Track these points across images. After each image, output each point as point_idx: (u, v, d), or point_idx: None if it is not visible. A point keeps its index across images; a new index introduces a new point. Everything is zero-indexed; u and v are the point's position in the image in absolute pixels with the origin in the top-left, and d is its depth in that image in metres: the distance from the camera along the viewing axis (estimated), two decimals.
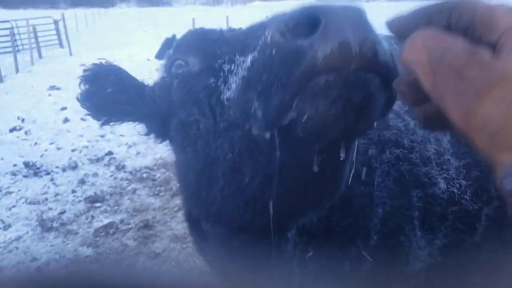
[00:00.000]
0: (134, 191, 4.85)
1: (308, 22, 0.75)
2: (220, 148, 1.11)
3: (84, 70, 1.47)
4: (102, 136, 6.61)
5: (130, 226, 4.08)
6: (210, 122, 1.10)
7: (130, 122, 1.56)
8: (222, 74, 1.05)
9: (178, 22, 20.67)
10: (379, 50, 0.74)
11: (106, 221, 4.16)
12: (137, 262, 3.53)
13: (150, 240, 3.83)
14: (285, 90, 0.79)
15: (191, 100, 1.16)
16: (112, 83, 1.47)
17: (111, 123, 1.54)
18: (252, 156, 1.05)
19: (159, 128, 1.47)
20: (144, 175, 5.23)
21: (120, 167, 5.50)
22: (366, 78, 0.76)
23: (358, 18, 0.75)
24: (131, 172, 5.35)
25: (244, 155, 1.06)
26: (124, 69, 1.53)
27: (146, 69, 11.28)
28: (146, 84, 1.55)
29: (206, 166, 1.19)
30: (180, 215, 4.22)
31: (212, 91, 1.08)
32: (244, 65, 0.93)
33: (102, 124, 1.53)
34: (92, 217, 4.28)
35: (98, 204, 4.53)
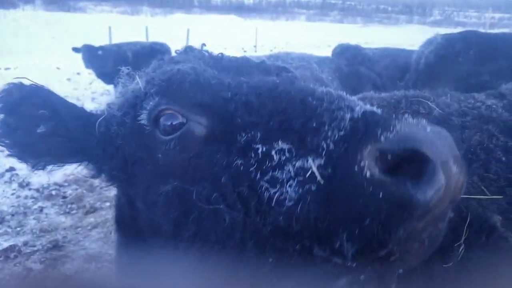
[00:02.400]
0: (41, 209, 4.41)
1: (408, 156, 0.69)
2: (245, 244, 0.87)
3: None
4: (1, 151, 5.94)
5: (35, 248, 3.69)
6: (235, 214, 0.86)
7: (73, 164, 1.21)
8: (253, 156, 0.84)
9: (93, 30, 19.64)
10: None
11: (6, 245, 3.71)
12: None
13: (59, 261, 3.50)
14: (383, 231, 0.70)
15: (199, 174, 0.92)
16: (44, 118, 1.10)
17: (47, 167, 1.18)
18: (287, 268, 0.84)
19: (118, 172, 1.14)
20: (53, 192, 4.79)
21: (24, 185, 4.97)
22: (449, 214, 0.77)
23: (457, 154, 0.73)
24: (37, 190, 4.87)
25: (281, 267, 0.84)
26: (56, 93, 1.19)
27: (55, 78, 10.48)
28: (91, 112, 1.22)
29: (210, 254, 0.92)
30: (95, 233, 3.94)
31: (239, 174, 0.86)
32: (305, 173, 0.77)
33: (34, 168, 1.16)
34: None
35: None
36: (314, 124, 0.82)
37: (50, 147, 1.14)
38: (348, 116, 0.80)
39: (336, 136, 0.78)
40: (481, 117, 1.83)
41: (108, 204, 4.53)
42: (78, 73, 11.78)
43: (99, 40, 11.77)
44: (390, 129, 0.72)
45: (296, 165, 0.79)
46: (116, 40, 13.04)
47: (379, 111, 0.83)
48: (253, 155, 0.85)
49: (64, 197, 4.72)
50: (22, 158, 1.15)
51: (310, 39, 24.10)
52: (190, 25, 20.46)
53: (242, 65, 1.12)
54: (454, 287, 1.12)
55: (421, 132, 0.71)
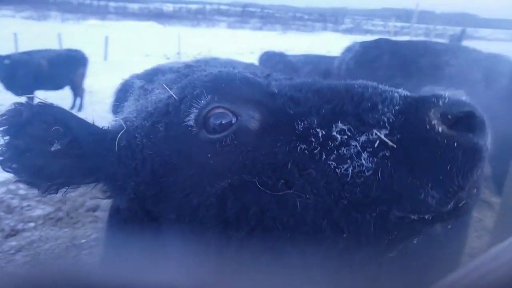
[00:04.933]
0: None
1: (463, 116, 0.86)
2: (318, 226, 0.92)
3: (2, 115, 1.01)
4: None
5: None
6: (305, 197, 0.91)
7: (90, 184, 1.11)
8: (315, 140, 0.92)
9: None
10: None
11: None
12: None
13: None
14: (461, 174, 0.84)
15: (260, 165, 0.95)
16: (57, 135, 1.02)
17: (60, 190, 1.07)
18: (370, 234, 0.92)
19: (146, 187, 1.07)
20: None
21: None
22: None
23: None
24: None
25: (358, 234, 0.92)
26: (66, 110, 1.11)
27: None
28: (104, 128, 1.14)
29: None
30: (20, 257, 3.62)
31: (304, 158, 0.92)
32: (373, 144, 0.88)
33: (46, 192, 1.06)
34: None
35: None
36: (368, 105, 0.93)
37: (63, 167, 1.05)
38: (397, 95, 0.94)
39: (394, 110, 0.91)
40: None
41: (32, 224, 4.18)
42: None
43: (2, 47, 10.76)
44: (444, 98, 0.88)
45: (361, 140, 0.89)
46: (23, 47, 12.02)
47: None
48: (314, 139, 0.92)
49: None
50: (32, 183, 1.05)
51: (233, 46, 24.45)
52: (106, 32, 19.53)
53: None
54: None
55: (466, 99, 0.90)
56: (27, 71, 8.75)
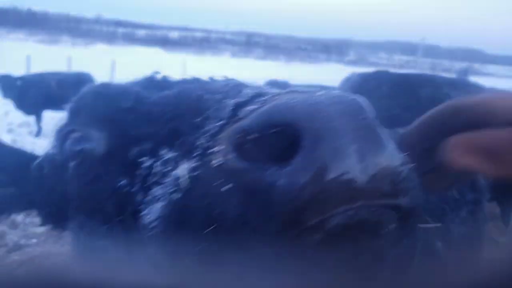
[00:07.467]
0: None
1: (278, 135, 0.47)
2: None
3: None
4: None
5: None
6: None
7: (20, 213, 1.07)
8: (137, 175, 0.67)
9: (8, 60, 18.31)
10: (401, 175, 0.49)
11: None
12: None
13: None
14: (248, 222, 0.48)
15: (93, 203, 0.75)
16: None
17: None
18: None
19: (55, 217, 0.95)
20: None
21: None
22: (377, 217, 0.48)
23: (366, 125, 0.48)
24: None
25: None
26: None
27: None
28: (35, 155, 1.06)
29: None
30: (21, 272, 3.67)
31: (121, 198, 0.68)
32: (173, 182, 0.57)
33: None
34: None
35: None
36: (198, 120, 0.62)
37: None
38: (232, 102, 0.59)
39: (215, 128, 0.57)
40: None
41: (34, 241, 4.25)
42: None
43: (14, 69, 11.06)
44: (252, 102, 0.54)
45: (171, 175, 0.59)
46: (35, 70, 12.35)
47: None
48: (137, 172, 0.66)
49: None
50: None
51: (237, 74, 24.73)
52: (113, 57, 19.91)
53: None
54: None
55: (299, 100, 0.49)
56: (38, 91, 9.01)
